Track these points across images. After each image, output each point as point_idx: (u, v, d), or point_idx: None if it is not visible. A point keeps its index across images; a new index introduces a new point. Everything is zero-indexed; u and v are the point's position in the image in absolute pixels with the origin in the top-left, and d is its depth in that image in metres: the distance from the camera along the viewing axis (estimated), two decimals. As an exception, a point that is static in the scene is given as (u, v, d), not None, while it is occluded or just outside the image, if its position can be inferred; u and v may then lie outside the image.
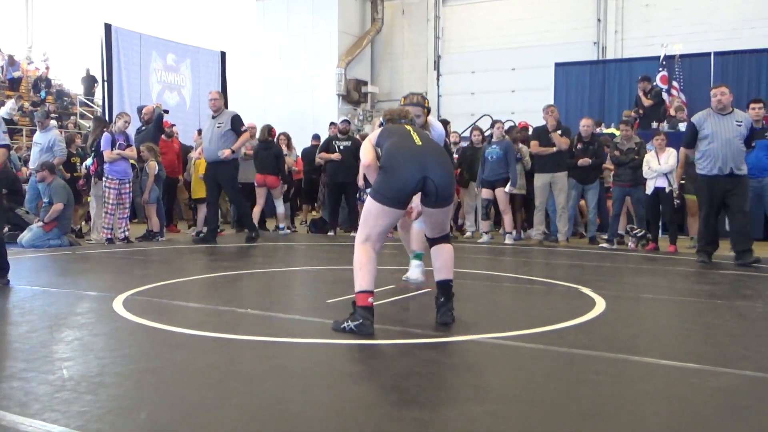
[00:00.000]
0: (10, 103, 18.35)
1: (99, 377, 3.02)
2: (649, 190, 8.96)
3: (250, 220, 9.75)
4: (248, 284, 5.28)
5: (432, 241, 4.23)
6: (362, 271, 3.90)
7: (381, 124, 4.53)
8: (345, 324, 3.86)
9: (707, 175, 7.39)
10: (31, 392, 2.78)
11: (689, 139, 7.63)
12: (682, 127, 11.37)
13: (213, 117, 9.38)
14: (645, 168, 8.96)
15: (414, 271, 5.29)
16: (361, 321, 3.80)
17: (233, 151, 9.14)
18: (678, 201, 8.91)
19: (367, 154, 4.12)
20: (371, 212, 4.00)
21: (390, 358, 3.44)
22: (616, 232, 9.50)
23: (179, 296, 5.13)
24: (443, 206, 4.08)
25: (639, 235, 9.13)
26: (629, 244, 9.24)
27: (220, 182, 9.33)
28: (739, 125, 7.29)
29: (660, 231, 9.38)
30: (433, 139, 4.43)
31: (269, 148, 10.82)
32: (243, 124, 9.37)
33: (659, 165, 8.83)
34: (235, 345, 3.72)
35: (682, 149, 9.33)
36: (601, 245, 9.37)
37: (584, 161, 9.42)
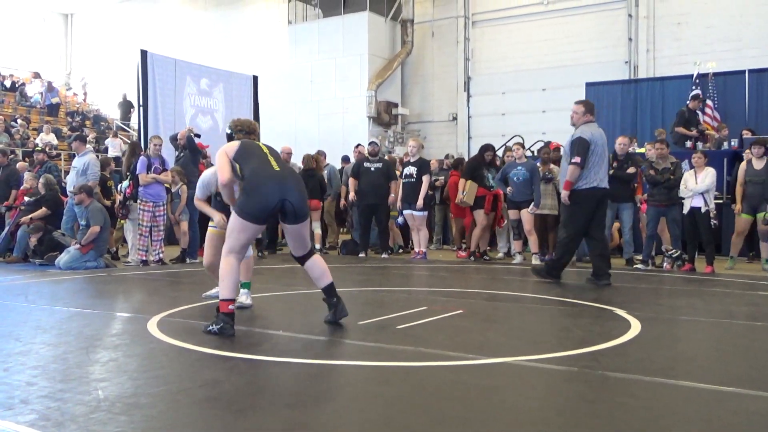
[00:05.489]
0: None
1: (133, 398, 3.05)
2: (685, 209, 8.83)
3: None
4: (280, 305, 5.32)
5: (301, 260, 4.76)
6: (225, 281, 4.43)
7: (229, 134, 4.98)
8: (211, 326, 4.39)
9: None
10: (68, 412, 2.82)
11: None
12: (725, 145, 11.25)
13: None
14: (682, 187, 8.84)
15: (242, 296, 5.58)
16: (222, 325, 4.35)
17: None
18: (715, 222, 8.74)
19: (224, 171, 4.58)
20: (235, 227, 4.48)
21: (421, 380, 3.42)
22: (651, 252, 9.36)
23: (212, 318, 5.17)
24: (302, 222, 4.62)
25: (674, 255, 8.98)
26: (665, 265, 9.09)
27: None
28: None
29: (696, 251, 9.21)
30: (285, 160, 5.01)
31: (314, 176, 11.11)
32: None
33: (696, 184, 8.70)
34: (268, 366, 3.73)
35: (741, 167, 9.14)
36: (635, 266, 9.24)
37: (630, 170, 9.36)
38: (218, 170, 4.64)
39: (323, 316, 4.92)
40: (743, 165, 9.10)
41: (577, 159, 7.12)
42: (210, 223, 5.87)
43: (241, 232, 4.47)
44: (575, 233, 7.40)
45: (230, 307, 4.39)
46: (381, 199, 10.67)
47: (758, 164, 9.00)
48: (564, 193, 7.31)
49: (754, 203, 8.95)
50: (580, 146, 7.13)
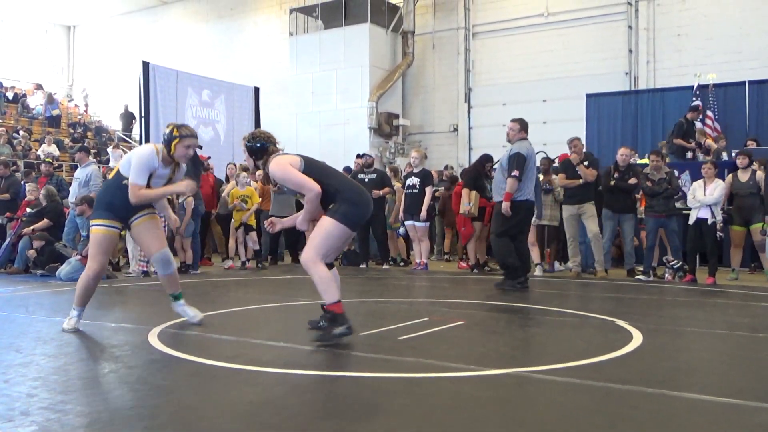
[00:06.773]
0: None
1: (134, 410, 3.05)
2: (691, 220, 8.82)
3: None
4: (281, 317, 5.32)
5: (330, 266, 4.79)
6: (331, 285, 4.48)
7: (262, 145, 4.70)
8: (337, 330, 4.38)
9: None
10: (68, 424, 2.82)
11: None
12: (725, 156, 11.25)
13: None
14: (690, 197, 8.84)
15: (185, 307, 5.34)
16: (348, 324, 4.41)
17: None
18: (721, 234, 8.73)
19: (312, 182, 4.49)
20: (334, 234, 4.51)
21: (423, 391, 3.42)
22: (652, 263, 9.35)
23: (213, 329, 5.17)
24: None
25: (675, 266, 8.97)
26: (666, 276, 9.08)
27: None
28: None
29: (697, 262, 9.20)
30: None
31: None
32: None
33: (704, 195, 8.70)
34: (269, 378, 3.72)
35: (727, 180, 9.11)
36: (637, 277, 9.23)
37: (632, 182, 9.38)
38: (304, 182, 4.47)
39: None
40: (729, 178, 9.10)
41: (516, 172, 7.68)
42: (97, 222, 5.03)
43: (339, 239, 4.59)
44: (504, 238, 7.83)
45: (343, 307, 4.48)
46: (376, 210, 10.65)
47: (744, 176, 9.01)
48: (505, 204, 7.72)
49: (745, 215, 8.96)
50: (519, 161, 7.68)
